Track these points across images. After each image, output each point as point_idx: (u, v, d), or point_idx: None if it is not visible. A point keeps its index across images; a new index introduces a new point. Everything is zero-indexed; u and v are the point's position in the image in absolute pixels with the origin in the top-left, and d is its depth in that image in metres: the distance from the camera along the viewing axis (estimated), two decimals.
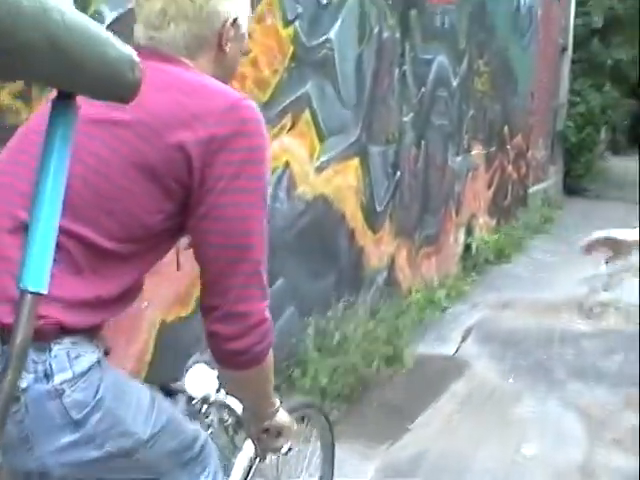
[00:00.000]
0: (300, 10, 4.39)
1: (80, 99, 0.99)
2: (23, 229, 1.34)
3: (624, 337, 6.33)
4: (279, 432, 1.91)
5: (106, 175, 1.50)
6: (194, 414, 1.97)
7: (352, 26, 5.12)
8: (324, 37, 4.71)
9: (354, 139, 5.24)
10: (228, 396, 2.01)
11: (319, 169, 4.77)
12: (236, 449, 2.17)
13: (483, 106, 8.84)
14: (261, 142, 1.57)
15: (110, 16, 2.91)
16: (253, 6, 1.92)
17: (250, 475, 2.20)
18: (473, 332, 6.34)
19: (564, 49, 14.02)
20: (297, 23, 4.38)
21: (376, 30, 5.53)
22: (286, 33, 4.28)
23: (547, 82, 12.84)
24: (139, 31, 1.68)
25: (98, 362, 1.53)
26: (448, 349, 5.91)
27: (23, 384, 1.42)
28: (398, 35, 5.98)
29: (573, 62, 14.69)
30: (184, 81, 1.58)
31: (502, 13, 9.31)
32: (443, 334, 6.21)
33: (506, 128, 10.17)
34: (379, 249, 5.92)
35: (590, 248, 8.30)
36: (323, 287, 5.00)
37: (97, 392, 1.50)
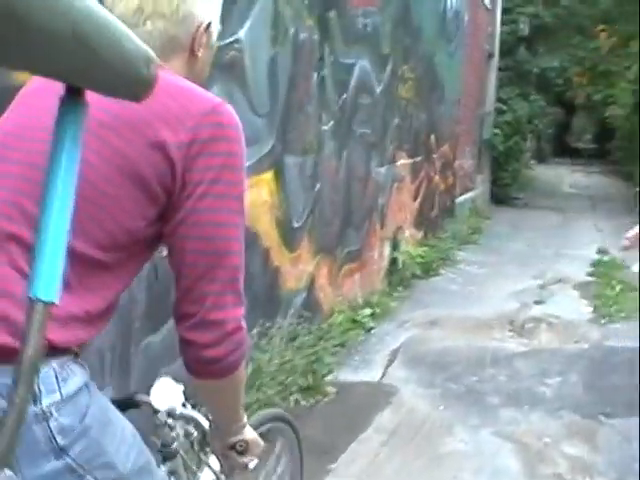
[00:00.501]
0: None
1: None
2: (7, 241, 1.42)
3: (560, 356, 6.12)
4: (246, 448, 1.91)
5: (92, 181, 1.47)
6: (159, 427, 1.95)
7: (265, 26, 4.76)
8: (232, 37, 4.32)
9: (267, 150, 4.87)
10: (194, 410, 2.01)
11: None
12: (202, 464, 2.14)
13: (408, 114, 8.58)
14: (240, 148, 1.59)
15: None
16: None
17: None
18: (400, 354, 6.04)
19: (491, 56, 14.02)
20: None
21: (292, 31, 5.17)
22: None
23: (474, 90, 12.82)
24: None
25: (86, 385, 1.50)
26: (373, 374, 5.59)
27: None
28: (317, 37, 5.63)
29: (500, 70, 14.74)
30: (167, 82, 1.52)
31: (428, 17, 9.10)
32: (368, 358, 5.90)
33: (432, 137, 9.99)
34: (297, 269, 5.55)
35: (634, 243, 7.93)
36: None
37: (84, 417, 1.47)
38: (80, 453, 1.46)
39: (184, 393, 2.01)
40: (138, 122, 1.49)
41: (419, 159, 9.27)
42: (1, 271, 1.43)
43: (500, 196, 15.37)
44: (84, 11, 0.84)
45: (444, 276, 8.91)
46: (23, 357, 0.93)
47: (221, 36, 4.02)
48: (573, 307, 7.70)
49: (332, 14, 5.95)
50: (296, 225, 5.48)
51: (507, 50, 14.81)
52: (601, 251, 10.51)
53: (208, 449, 2.08)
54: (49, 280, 0.94)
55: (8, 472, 0.99)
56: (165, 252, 1.67)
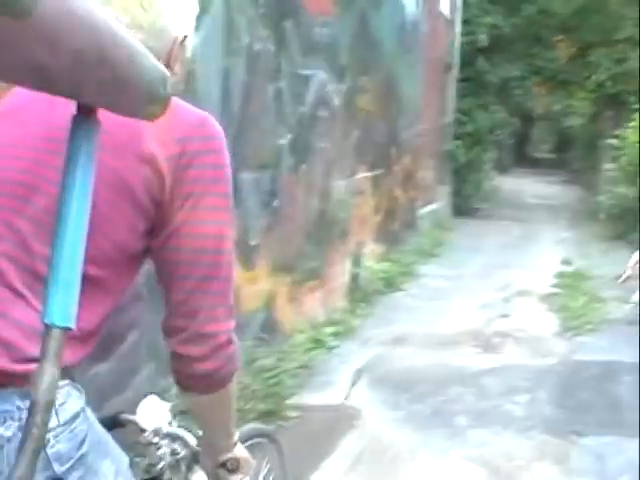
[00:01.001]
0: None
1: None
2: None
3: (528, 372, 5.97)
4: (237, 467, 1.89)
5: None
6: (145, 446, 1.93)
7: (216, 36, 4.58)
8: None
9: None
10: (181, 429, 2.00)
11: None
12: None
13: (368, 126, 8.40)
14: (227, 160, 1.59)
15: None
16: None
17: None
18: (364, 375, 5.84)
19: (450, 67, 13.92)
20: None
21: (246, 41, 4.99)
22: None
23: (434, 101, 12.68)
24: None
25: (83, 410, 1.47)
26: (336, 396, 5.38)
27: (8, 432, 1.35)
28: (272, 48, 5.44)
29: (460, 81, 14.62)
30: None
31: (387, 28, 8.93)
32: (331, 379, 5.68)
33: (393, 149, 9.82)
34: (254, 288, 5.33)
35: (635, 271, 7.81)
36: None
37: (81, 445, 1.43)
38: None
39: (170, 411, 2.03)
40: (128, 137, 1.48)
41: (380, 172, 9.10)
42: None
43: (462, 208, 15.22)
44: (107, 30, 0.83)
45: (407, 291, 8.72)
46: (38, 385, 0.90)
47: None
48: (539, 320, 7.58)
49: (288, 24, 5.78)
50: (253, 243, 5.28)
51: (467, 61, 14.73)
52: (565, 262, 10.43)
53: (195, 467, 2.05)
54: (64, 305, 0.92)
55: None
56: None
